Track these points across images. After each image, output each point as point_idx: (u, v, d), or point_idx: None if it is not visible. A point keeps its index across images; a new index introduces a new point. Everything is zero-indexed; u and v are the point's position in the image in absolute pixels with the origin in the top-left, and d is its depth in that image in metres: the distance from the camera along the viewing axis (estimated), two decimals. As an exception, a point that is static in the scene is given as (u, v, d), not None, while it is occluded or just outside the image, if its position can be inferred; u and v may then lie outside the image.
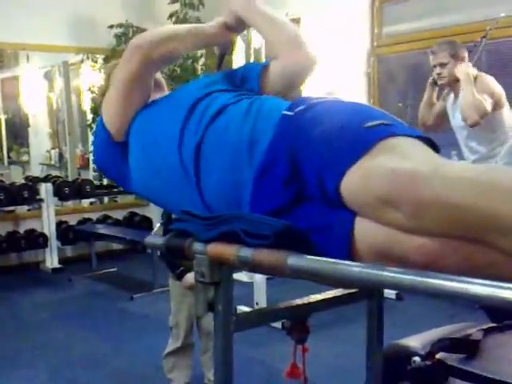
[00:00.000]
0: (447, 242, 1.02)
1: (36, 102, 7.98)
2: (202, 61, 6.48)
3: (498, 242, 0.97)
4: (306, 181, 1.20)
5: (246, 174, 1.27)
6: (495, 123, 3.46)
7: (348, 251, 1.13)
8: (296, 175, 1.21)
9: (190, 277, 2.53)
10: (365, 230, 1.12)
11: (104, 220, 6.46)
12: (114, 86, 1.52)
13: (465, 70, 3.45)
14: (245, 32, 5.75)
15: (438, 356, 1.21)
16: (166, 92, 1.70)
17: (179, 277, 2.65)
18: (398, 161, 1.08)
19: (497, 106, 3.44)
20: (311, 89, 4.89)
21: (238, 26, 1.60)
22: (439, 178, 1.01)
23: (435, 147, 1.23)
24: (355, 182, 1.11)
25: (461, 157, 3.66)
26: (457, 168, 1.07)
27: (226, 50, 1.71)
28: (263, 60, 5.28)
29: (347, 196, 1.12)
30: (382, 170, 1.07)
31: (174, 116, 1.43)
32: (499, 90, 3.49)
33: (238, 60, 5.27)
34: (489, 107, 3.36)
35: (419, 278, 0.91)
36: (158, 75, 1.71)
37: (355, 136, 1.16)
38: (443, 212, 0.99)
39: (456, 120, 3.60)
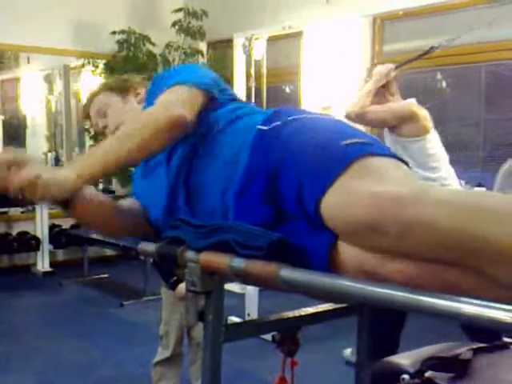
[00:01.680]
0: (429, 266, 1.00)
1: (35, 104, 7.98)
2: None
3: (484, 266, 0.95)
4: (285, 199, 1.18)
5: (229, 195, 1.27)
6: (411, 150, 3.12)
7: (326, 268, 1.12)
8: (274, 193, 1.20)
9: (183, 287, 2.51)
10: (344, 251, 1.11)
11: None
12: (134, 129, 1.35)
13: (381, 69, 3.35)
14: (246, 43, 5.75)
15: (427, 374, 1.21)
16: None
17: (172, 287, 2.63)
18: (380, 184, 1.05)
19: (407, 125, 3.13)
20: (309, 104, 4.94)
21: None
22: (424, 201, 0.98)
23: (406, 163, 1.22)
24: (336, 205, 1.08)
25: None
26: (444, 191, 1.06)
27: None
28: (264, 71, 5.31)
29: (328, 219, 1.09)
30: (365, 194, 1.03)
31: None
32: (414, 112, 3.16)
33: (238, 71, 5.29)
34: (376, 114, 3.21)
35: (412, 296, 0.90)
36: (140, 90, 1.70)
37: (332, 154, 1.14)
38: (429, 235, 0.96)
39: None
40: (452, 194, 1.04)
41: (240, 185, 1.25)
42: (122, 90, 1.67)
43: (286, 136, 1.23)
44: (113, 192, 6.55)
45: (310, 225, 1.14)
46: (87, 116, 1.72)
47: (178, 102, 1.34)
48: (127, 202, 1.55)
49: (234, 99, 1.51)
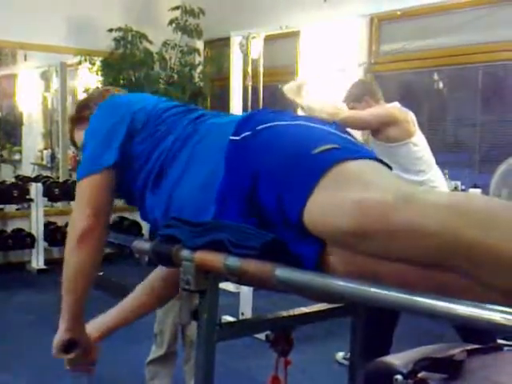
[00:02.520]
0: (417, 269, 0.99)
1: (31, 102, 7.97)
2: (199, 68, 6.50)
3: (472, 269, 0.94)
4: (268, 211, 1.16)
5: (207, 215, 1.25)
6: (398, 155, 3.09)
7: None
8: (256, 206, 1.18)
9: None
10: (333, 257, 1.10)
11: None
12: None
13: (290, 86, 3.28)
14: (243, 42, 5.76)
15: (420, 375, 1.21)
16: None
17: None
18: (362, 190, 1.03)
19: (390, 130, 3.12)
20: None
21: None
22: (410, 205, 0.97)
23: (388, 167, 1.21)
24: (318, 215, 1.06)
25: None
26: (430, 195, 1.03)
27: None
28: (261, 70, 5.31)
29: (313, 229, 1.08)
30: (348, 202, 1.01)
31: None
32: (395, 115, 3.16)
33: (235, 70, 5.29)
34: (358, 116, 3.12)
35: (407, 296, 0.90)
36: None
37: (305, 164, 1.11)
38: (417, 240, 0.95)
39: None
40: (437, 197, 1.02)
41: (217, 206, 1.23)
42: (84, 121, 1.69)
43: (257, 148, 1.20)
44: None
45: (296, 233, 1.12)
46: (74, 144, 1.80)
47: (81, 214, 1.43)
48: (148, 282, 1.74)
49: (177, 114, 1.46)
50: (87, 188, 1.44)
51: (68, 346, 1.57)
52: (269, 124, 1.25)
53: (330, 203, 1.05)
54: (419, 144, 3.18)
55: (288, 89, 3.21)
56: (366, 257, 1.04)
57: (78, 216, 1.45)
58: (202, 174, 1.29)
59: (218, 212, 1.23)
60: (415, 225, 0.94)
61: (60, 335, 1.57)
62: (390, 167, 1.23)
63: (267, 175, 1.16)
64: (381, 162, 1.20)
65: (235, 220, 1.20)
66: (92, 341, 1.67)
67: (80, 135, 1.67)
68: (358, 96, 3.31)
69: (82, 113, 1.73)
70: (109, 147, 1.43)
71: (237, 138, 1.25)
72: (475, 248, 0.92)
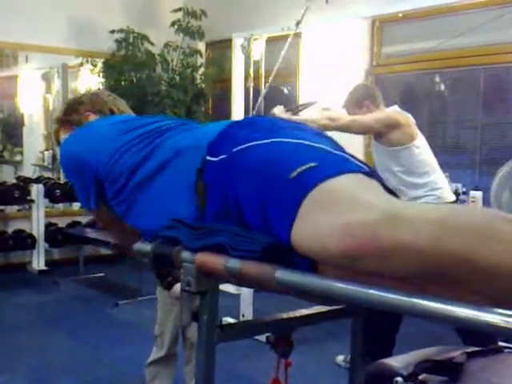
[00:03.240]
0: (411, 281, 0.98)
1: (32, 103, 7.97)
2: (201, 70, 6.51)
3: (465, 281, 0.95)
4: (257, 230, 1.15)
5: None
6: (401, 158, 3.15)
7: None
8: (246, 227, 1.17)
9: (178, 287, 2.51)
10: (326, 271, 1.08)
11: (93, 224, 6.41)
12: None
13: (277, 112, 3.40)
14: (245, 44, 5.77)
15: (420, 377, 1.21)
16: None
17: (168, 287, 2.63)
18: (346, 212, 1.00)
19: (391, 134, 3.15)
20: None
21: None
22: (398, 223, 0.95)
23: (374, 176, 1.17)
24: (306, 240, 1.04)
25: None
26: (416, 210, 1.02)
27: None
28: (263, 71, 5.31)
29: (302, 252, 1.07)
30: (334, 226, 1.00)
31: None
32: (396, 119, 3.20)
33: (237, 71, 5.29)
34: (360, 122, 3.18)
35: (407, 299, 0.90)
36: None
37: (284, 190, 1.08)
38: (408, 257, 0.94)
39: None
40: (425, 212, 1.00)
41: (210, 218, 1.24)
42: (77, 123, 1.72)
43: (235, 173, 1.18)
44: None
45: (290, 251, 1.11)
46: (58, 142, 1.79)
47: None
48: None
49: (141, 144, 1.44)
50: (97, 217, 1.66)
51: None
52: (244, 145, 1.21)
53: (315, 228, 1.03)
54: (421, 147, 3.20)
55: (278, 112, 3.30)
56: (357, 274, 1.02)
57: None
58: (174, 202, 1.30)
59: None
60: (405, 243, 0.94)
61: None
62: (378, 177, 1.19)
63: (248, 202, 1.15)
64: (367, 173, 1.15)
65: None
66: None
67: (63, 138, 1.71)
68: (359, 100, 3.32)
69: (71, 116, 1.75)
70: (88, 196, 1.53)
71: (214, 159, 1.23)
72: (464, 259, 0.92)
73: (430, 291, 0.96)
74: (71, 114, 1.75)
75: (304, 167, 1.09)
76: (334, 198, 1.04)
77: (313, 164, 1.10)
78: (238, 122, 1.36)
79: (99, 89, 5.58)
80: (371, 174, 1.17)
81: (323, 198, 1.05)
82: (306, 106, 3.61)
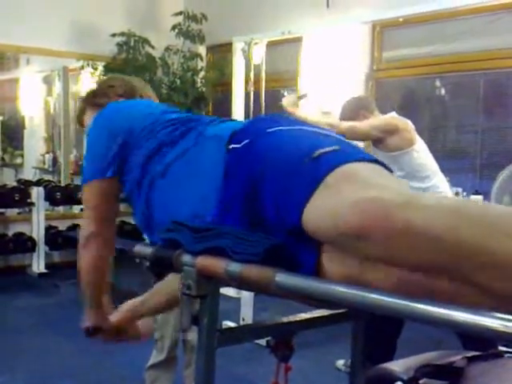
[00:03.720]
0: (412, 276, 0.98)
1: (33, 106, 7.98)
2: (201, 74, 6.51)
3: (473, 274, 0.93)
4: (266, 218, 1.16)
5: (206, 221, 1.26)
6: (401, 163, 3.16)
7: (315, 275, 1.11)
8: (255, 214, 1.18)
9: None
10: (330, 260, 1.09)
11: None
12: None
13: (288, 99, 3.43)
14: (245, 48, 5.76)
15: (421, 382, 1.21)
16: None
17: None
18: (362, 191, 1.01)
19: (390, 139, 3.17)
20: (310, 109, 4.96)
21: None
22: (411, 206, 0.96)
23: (389, 171, 1.20)
24: (318, 217, 1.05)
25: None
26: (432, 197, 1.03)
27: None
28: (263, 75, 5.32)
29: (311, 231, 1.08)
30: (346, 202, 1.00)
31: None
32: (395, 124, 3.22)
33: (237, 75, 5.29)
34: (358, 129, 3.19)
35: (406, 303, 0.90)
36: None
37: (306, 168, 1.11)
38: (416, 241, 0.94)
39: None
40: (439, 201, 1.01)
41: (216, 216, 1.24)
42: (98, 107, 1.71)
43: (257, 155, 1.21)
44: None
45: (295, 239, 1.12)
46: (81, 123, 1.81)
47: (86, 219, 1.54)
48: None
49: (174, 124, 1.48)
50: (91, 194, 1.54)
51: (92, 332, 1.76)
52: (269, 130, 1.25)
53: (330, 203, 1.04)
54: (421, 151, 3.20)
55: (286, 102, 3.29)
56: (362, 262, 1.03)
57: (84, 220, 1.56)
58: (198, 185, 1.30)
59: (217, 221, 1.24)
60: (416, 226, 0.93)
61: (83, 323, 1.71)
62: (391, 170, 1.22)
63: (267, 181, 1.16)
64: (382, 164, 1.19)
65: (234, 224, 1.21)
66: (124, 321, 1.82)
67: (88, 119, 1.71)
68: (354, 111, 3.34)
69: (100, 99, 1.74)
70: (105, 161, 1.50)
71: (238, 145, 1.25)
72: (477, 251, 0.91)
73: (435, 287, 0.96)
74: (101, 97, 1.75)
75: (327, 149, 1.13)
76: (352, 179, 1.06)
77: (336, 147, 1.14)
78: (258, 117, 1.45)
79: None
80: (387, 167, 1.20)
81: (341, 179, 1.07)
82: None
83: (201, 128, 1.42)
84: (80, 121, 1.82)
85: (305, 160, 1.12)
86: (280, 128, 1.26)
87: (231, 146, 1.26)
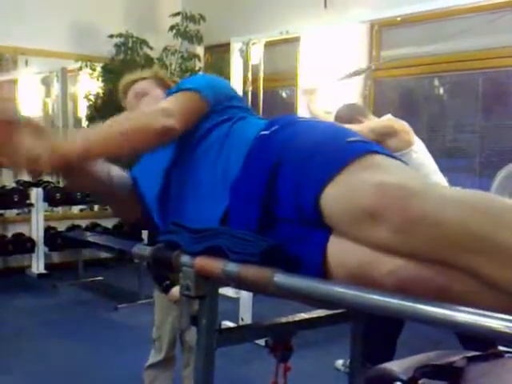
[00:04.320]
0: (423, 267, 0.99)
1: (32, 107, 7.97)
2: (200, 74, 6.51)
3: (482, 267, 0.95)
4: (281, 197, 1.18)
5: (221, 197, 1.28)
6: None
7: (320, 272, 1.11)
8: (271, 191, 1.20)
9: (176, 291, 2.51)
10: (337, 253, 1.10)
11: (93, 228, 6.42)
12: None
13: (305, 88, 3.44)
14: (243, 48, 5.76)
15: (420, 382, 1.21)
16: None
17: (166, 290, 2.63)
18: (385, 175, 1.06)
19: (389, 141, 3.16)
20: (306, 109, 4.95)
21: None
22: (430, 195, 1.00)
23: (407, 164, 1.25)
24: (338, 193, 1.09)
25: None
26: (448, 189, 1.07)
27: None
28: (261, 75, 5.32)
29: (327, 208, 1.09)
30: (369, 182, 1.04)
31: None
32: (392, 126, 3.23)
33: (235, 75, 5.29)
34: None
35: (406, 303, 0.90)
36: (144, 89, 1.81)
37: (338, 148, 1.16)
38: (430, 229, 0.97)
39: None
40: (457, 192, 1.04)
41: (234, 185, 1.26)
42: (164, 85, 1.78)
43: (284, 136, 1.26)
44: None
45: (304, 226, 1.14)
46: (125, 92, 1.85)
47: (174, 111, 1.38)
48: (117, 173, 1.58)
49: (241, 108, 1.53)
50: (187, 101, 1.45)
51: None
52: (300, 119, 1.36)
53: (351, 183, 1.08)
54: (419, 151, 3.21)
55: (305, 90, 3.32)
56: (367, 251, 1.04)
57: (167, 115, 1.37)
58: (223, 159, 1.34)
59: (234, 190, 1.26)
60: (432, 214, 0.97)
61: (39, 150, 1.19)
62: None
63: (295, 156, 1.19)
64: (401, 161, 1.23)
65: (248, 199, 1.23)
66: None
67: (132, 99, 1.76)
68: (350, 116, 3.35)
69: (166, 85, 1.78)
70: (212, 91, 1.49)
71: (266, 132, 1.30)
72: (487, 243, 0.93)
73: (443, 282, 0.97)
74: (170, 85, 1.79)
75: (356, 138, 1.20)
76: (376, 166, 1.11)
77: (364, 139, 1.22)
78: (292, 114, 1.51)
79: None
80: (405, 163, 1.24)
81: (367, 165, 1.11)
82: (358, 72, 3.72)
83: (250, 118, 1.48)
84: (126, 88, 1.87)
85: (339, 142, 1.18)
86: (311, 119, 1.40)
87: (262, 133, 1.31)
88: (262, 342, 1.43)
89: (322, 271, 1.11)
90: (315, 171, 1.13)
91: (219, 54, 6.52)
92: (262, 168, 1.22)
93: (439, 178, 3.24)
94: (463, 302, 0.90)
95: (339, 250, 1.10)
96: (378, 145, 1.25)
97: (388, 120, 3.31)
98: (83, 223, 6.44)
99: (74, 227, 6.34)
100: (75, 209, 6.85)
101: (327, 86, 5.16)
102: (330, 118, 3.37)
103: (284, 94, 6.21)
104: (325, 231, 1.12)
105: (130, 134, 1.31)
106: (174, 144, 1.47)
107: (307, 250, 1.13)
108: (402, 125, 3.24)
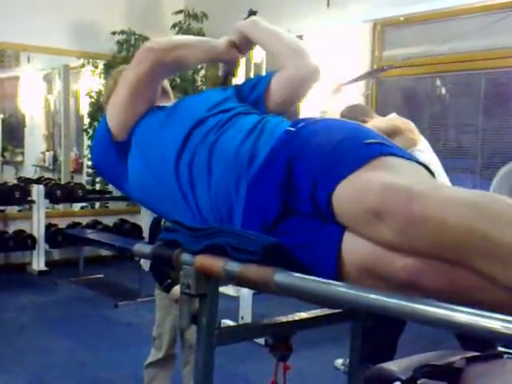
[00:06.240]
0: (431, 263, 1.02)
1: (34, 104, 7.98)
2: (201, 72, 6.51)
3: (484, 266, 0.97)
4: (298, 190, 1.20)
5: (241, 184, 1.28)
6: None
7: (334, 267, 1.12)
8: (289, 183, 1.21)
9: (177, 290, 2.51)
10: (351, 247, 1.12)
11: (94, 225, 6.43)
12: (122, 86, 1.53)
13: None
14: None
15: (419, 382, 1.21)
16: (172, 100, 1.71)
17: (167, 289, 2.63)
18: (394, 177, 1.09)
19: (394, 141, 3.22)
20: (310, 107, 4.96)
21: (244, 45, 1.68)
22: (433, 197, 1.01)
23: (431, 173, 1.24)
24: (348, 192, 1.11)
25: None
26: (452, 189, 1.08)
27: (231, 69, 1.73)
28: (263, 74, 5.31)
29: (338, 206, 1.12)
30: (377, 182, 1.07)
31: (179, 131, 1.42)
32: (397, 126, 3.23)
33: (238, 74, 5.30)
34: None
35: (406, 304, 0.90)
36: (165, 83, 1.73)
37: (355, 148, 1.18)
38: (433, 230, 0.99)
39: None
40: (461, 193, 1.06)
41: (258, 172, 1.27)
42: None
43: (309, 131, 1.28)
44: (109, 192, 6.55)
45: (317, 220, 1.16)
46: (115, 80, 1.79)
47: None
48: None
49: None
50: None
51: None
52: (323, 118, 1.39)
53: (361, 183, 1.10)
54: (425, 151, 3.21)
55: (332, 88, 3.29)
56: (379, 247, 1.06)
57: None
58: (249, 148, 1.34)
59: (257, 177, 1.27)
60: (432, 216, 0.99)
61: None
62: (432, 173, 1.27)
63: (316, 151, 1.21)
64: (422, 165, 1.25)
65: (266, 194, 1.23)
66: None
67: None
68: (355, 118, 3.33)
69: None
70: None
71: (293, 128, 1.32)
72: (490, 243, 0.95)
73: (453, 275, 0.99)
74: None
75: (379, 140, 1.22)
76: (388, 167, 1.14)
77: (385, 142, 1.23)
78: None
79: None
80: (421, 163, 1.25)
81: (380, 165, 1.14)
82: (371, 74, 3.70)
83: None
84: None
85: (358, 143, 1.20)
86: (333, 119, 1.44)
87: (288, 129, 1.33)
88: (261, 340, 1.43)
89: (334, 263, 1.13)
90: (330, 169, 1.16)
91: (222, 52, 6.51)
92: (283, 159, 1.25)
93: (443, 179, 3.24)
94: (469, 296, 0.94)
95: (352, 244, 1.12)
96: (397, 147, 1.26)
97: (393, 119, 3.31)
98: (84, 220, 6.44)
99: (74, 224, 6.34)
100: (76, 206, 6.86)
101: (327, 86, 5.17)
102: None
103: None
104: (339, 226, 1.14)
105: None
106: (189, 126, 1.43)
107: (322, 241, 1.14)
108: (407, 123, 3.23)
